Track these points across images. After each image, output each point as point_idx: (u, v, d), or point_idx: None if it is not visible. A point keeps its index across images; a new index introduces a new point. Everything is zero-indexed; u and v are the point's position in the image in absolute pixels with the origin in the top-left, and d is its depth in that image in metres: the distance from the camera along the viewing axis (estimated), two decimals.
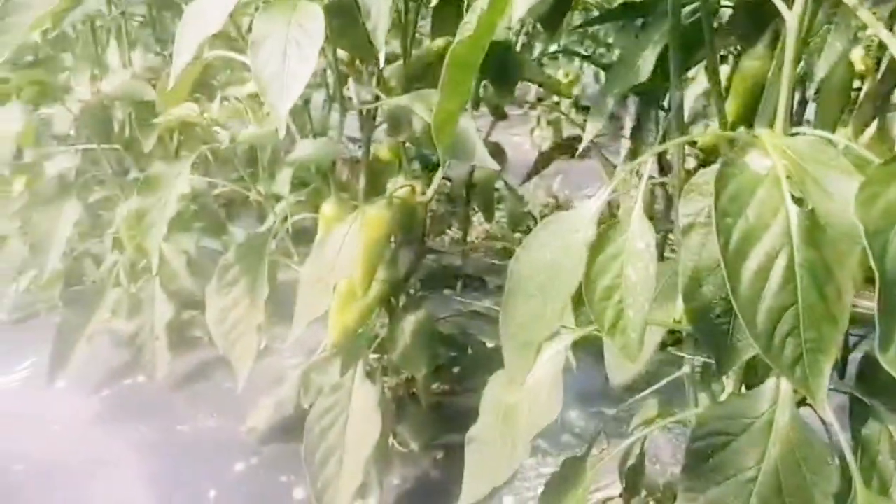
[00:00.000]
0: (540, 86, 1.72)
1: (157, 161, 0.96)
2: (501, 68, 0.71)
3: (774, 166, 0.52)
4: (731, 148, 0.60)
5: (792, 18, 0.54)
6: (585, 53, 2.22)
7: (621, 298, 0.60)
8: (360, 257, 0.98)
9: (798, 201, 0.50)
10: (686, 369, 0.86)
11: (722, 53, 0.99)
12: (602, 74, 3.60)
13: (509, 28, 0.71)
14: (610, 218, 0.61)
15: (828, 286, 0.49)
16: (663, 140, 1.12)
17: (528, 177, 1.63)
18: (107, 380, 1.58)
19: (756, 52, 0.77)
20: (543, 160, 1.52)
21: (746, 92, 0.77)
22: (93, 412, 1.49)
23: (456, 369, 1.49)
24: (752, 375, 0.72)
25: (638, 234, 0.59)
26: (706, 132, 0.73)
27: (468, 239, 2.33)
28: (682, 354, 0.86)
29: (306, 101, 1.48)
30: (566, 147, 1.54)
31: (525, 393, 0.79)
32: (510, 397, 0.79)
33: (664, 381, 0.87)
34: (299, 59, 0.73)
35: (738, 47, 0.87)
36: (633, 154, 0.94)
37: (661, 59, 0.80)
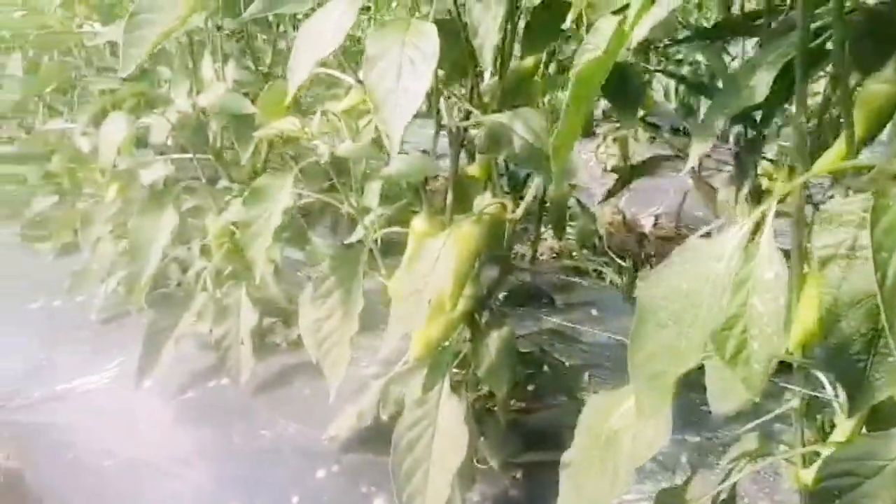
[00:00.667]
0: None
1: (264, 175, 0.98)
2: (623, 89, 0.71)
3: None
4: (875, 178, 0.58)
5: None
6: (678, 73, 2.17)
7: (745, 328, 0.58)
8: (452, 272, 0.98)
9: None
10: (794, 403, 0.83)
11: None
12: (672, 89, 3.55)
13: (629, 49, 0.70)
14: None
15: None
16: (748, 163, 1.08)
17: (608, 196, 1.60)
18: (191, 382, 1.63)
19: (884, 75, 0.74)
20: (624, 180, 1.50)
21: (871, 116, 0.73)
22: (178, 413, 1.54)
23: (531, 387, 1.48)
24: (878, 416, 0.69)
25: (767, 262, 0.57)
26: (833, 158, 0.70)
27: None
28: (790, 386, 0.83)
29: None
30: (648, 166, 1.51)
31: (629, 420, 0.77)
32: (612, 423, 0.77)
33: (772, 415, 0.84)
34: (414, 77, 0.74)
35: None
36: (739, 177, 0.91)
37: (777, 80, 0.78)
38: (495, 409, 1.34)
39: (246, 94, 1.44)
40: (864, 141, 0.76)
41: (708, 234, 0.60)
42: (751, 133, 0.91)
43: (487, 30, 0.83)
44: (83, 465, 1.43)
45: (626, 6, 0.63)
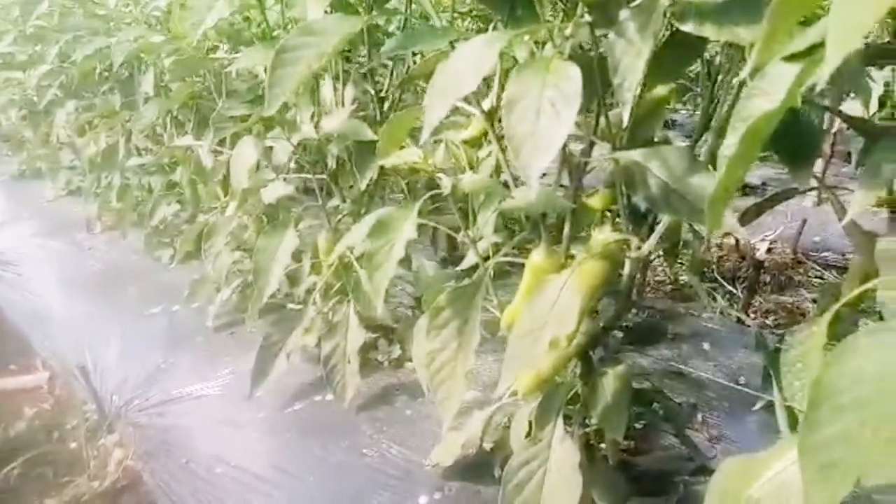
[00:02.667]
0: None
1: (388, 207, 0.99)
2: (795, 141, 0.66)
3: None
4: None
5: None
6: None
7: None
8: (575, 311, 0.95)
9: None
10: None
11: None
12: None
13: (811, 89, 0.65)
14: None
15: None
16: None
17: (743, 223, 1.51)
18: (298, 394, 1.68)
19: None
20: (756, 211, 1.41)
21: None
22: (284, 424, 1.59)
23: (639, 425, 1.42)
24: None
25: None
26: None
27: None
28: None
29: None
30: (776, 199, 1.41)
31: (769, 490, 0.72)
32: (753, 492, 0.72)
33: None
34: (554, 119, 0.73)
35: None
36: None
37: None
38: (603, 447, 1.30)
39: (363, 118, 1.48)
40: None
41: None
42: None
43: (629, 67, 0.80)
44: (195, 469, 1.50)
45: (802, 53, 0.59)
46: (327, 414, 1.60)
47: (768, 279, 2.52)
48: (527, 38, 0.98)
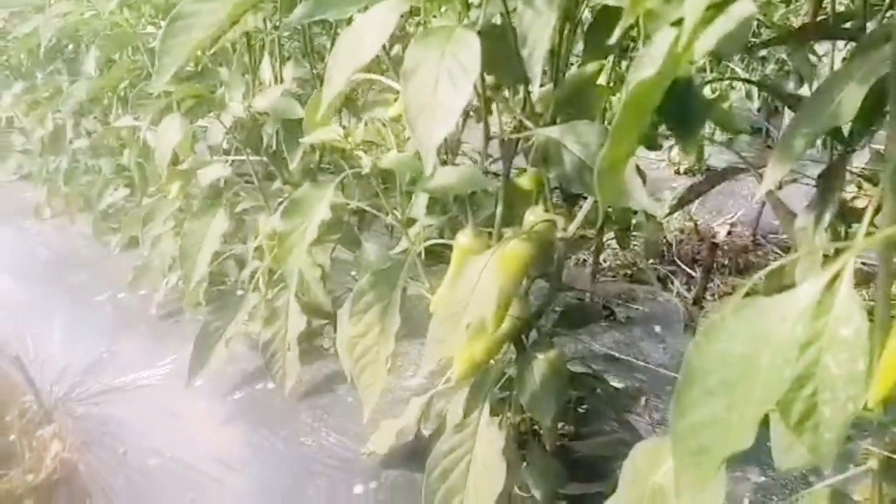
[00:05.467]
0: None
1: (304, 184, 0.95)
2: (683, 111, 0.63)
3: None
4: None
5: None
6: (751, 78, 2.03)
7: (815, 391, 0.50)
8: (494, 294, 0.92)
9: None
10: (873, 464, 0.73)
11: None
12: (754, 89, 3.32)
13: (691, 63, 0.62)
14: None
15: None
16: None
17: (674, 209, 1.49)
18: (240, 383, 1.64)
19: None
20: (689, 193, 1.39)
21: None
22: (224, 414, 1.55)
23: (582, 409, 1.40)
24: None
25: (845, 317, 0.49)
26: None
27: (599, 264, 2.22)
28: (869, 448, 0.73)
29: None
30: (714, 180, 1.39)
31: (672, 476, 0.70)
32: (658, 478, 0.70)
33: (846, 475, 0.74)
34: (452, 91, 0.69)
35: None
36: (821, 203, 0.81)
37: (867, 98, 0.68)
38: (542, 432, 1.28)
39: (300, 97, 1.42)
40: None
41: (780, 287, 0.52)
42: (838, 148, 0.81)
43: (537, 38, 0.77)
44: (132, 461, 1.45)
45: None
46: (268, 403, 1.56)
47: (727, 262, 2.51)
48: (443, 7, 0.94)
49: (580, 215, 1.01)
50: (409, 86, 0.71)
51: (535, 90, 0.80)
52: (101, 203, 2.35)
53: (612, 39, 0.58)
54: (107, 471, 1.47)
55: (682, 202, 1.47)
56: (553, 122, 1.00)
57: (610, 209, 1.71)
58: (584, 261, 2.41)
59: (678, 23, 0.55)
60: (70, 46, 2.60)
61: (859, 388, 0.48)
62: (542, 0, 0.76)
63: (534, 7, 0.77)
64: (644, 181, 1.52)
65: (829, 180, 0.82)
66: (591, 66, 1.07)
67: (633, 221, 2.02)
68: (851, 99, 0.69)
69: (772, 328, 0.45)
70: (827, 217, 0.80)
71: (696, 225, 2.74)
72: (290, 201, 0.95)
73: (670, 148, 3.46)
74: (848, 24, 1.07)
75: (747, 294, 0.52)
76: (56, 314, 2.11)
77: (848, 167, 0.95)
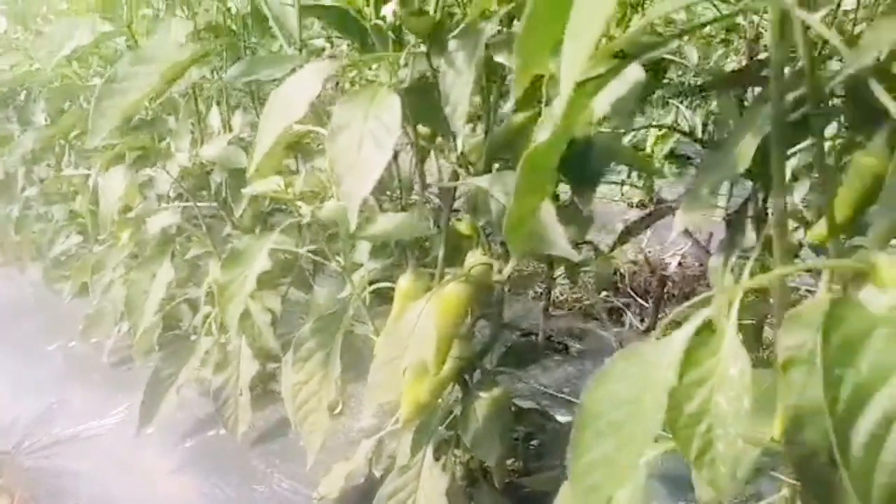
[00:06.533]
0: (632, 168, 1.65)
1: (244, 237, 0.98)
2: (580, 167, 0.67)
3: (894, 306, 0.45)
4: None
5: None
6: (678, 128, 2.12)
7: (709, 427, 0.54)
8: (433, 337, 0.95)
9: None
10: (785, 493, 0.77)
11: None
12: (699, 123, 3.46)
13: (590, 123, 0.67)
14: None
15: None
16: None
17: (614, 245, 1.55)
18: (192, 430, 1.63)
19: (874, 148, 0.69)
20: (634, 227, 1.45)
21: (860, 192, 0.68)
22: (176, 462, 1.53)
23: (532, 445, 1.43)
24: None
25: (731, 358, 0.53)
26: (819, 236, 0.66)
27: (552, 298, 2.27)
28: (782, 477, 0.77)
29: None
30: (658, 214, 1.45)
31: None
32: None
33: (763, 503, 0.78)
34: (375, 150, 0.73)
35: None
36: (729, 245, 0.86)
37: (763, 146, 0.74)
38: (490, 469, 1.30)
39: (247, 146, 1.45)
40: (849, 218, 0.71)
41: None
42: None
43: (458, 97, 0.81)
44: None
45: (587, 81, 0.61)
46: (220, 450, 1.55)
47: (676, 292, 2.58)
48: (374, 66, 0.99)
49: (513, 259, 1.05)
50: (335, 145, 0.75)
51: (459, 144, 0.84)
52: (52, 250, 2.32)
53: (511, 101, 0.62)
54: None
55: (627, 235, 1.54)
56: (487, 170, 1.05)
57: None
58: (541, 294, 2.46)
59: (579, 86, 0.60)
60: (21, 95, 2.60)
61: (743, 423, 0.52)
62: (462, 61, 0.81)
63: (454, 67, 0.82)
64: (590, 222, 1.58)
65: (736, 223, 0.88)
66: (520, 117, 1.12)
67: (582, 257, 2.08)
68: (746, 150, 0.75)
69: (651, 372, 0.49)
70: (733, 258, 0.85)
71: (646, 257, 2.83)
72: (230, 252, 0.97)
73: (622, 182, 3.56)
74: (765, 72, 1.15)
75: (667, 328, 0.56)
76: (5, 365, 2.07)
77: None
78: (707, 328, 0.55)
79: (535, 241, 0.80)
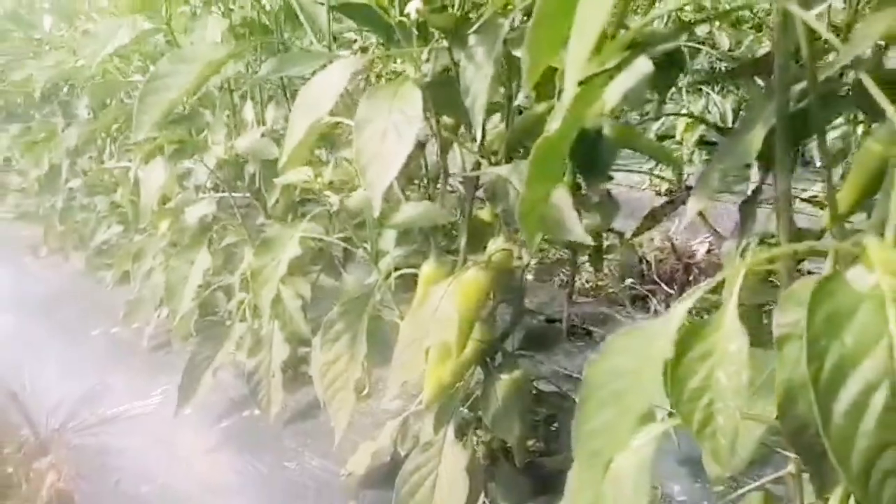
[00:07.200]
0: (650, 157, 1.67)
1: (276, 225, 1.03)
2: (590, 157, 0.71)
3: (878, 285, 0.48)
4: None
5: None
6: (701, 117, 2.12)
7: (711, 401, 0.57)
8: (454, 320, 0.99)
9: None
10: (791, 468, 0.80)
11: None
12: (728, 109, 3.44)
13: (602, 114, 0.70)
14: None
15: None
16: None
17: (638, 232, 1.57)
18: (227, 411, 1.70)
19: (879, 135, 0.71)
20: (654, 216, 1.47)
21: (864, 179, 0.70)
22: (212, 441, 1.61)
23: (553, 426, 1.47)
24: None
25: (731, 335, 0.56)
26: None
27: (576, 285, 2.29)
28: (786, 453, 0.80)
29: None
30: (679, 201, 1.47)
31: (610, 483, 0.76)
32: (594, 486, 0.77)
33: (770, 478, 0.81)
34: (397, 142, 0.77)
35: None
36: (741, 230, 0.89)
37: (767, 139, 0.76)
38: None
39: (280, 138, 1.51)
40: (855, 204, 0.73)
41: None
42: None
43: (478, 90, 0.85)
44: (124, 489, 1.51)
45: (595, 75, 0.64)
46: (254, 429, 1.62)
47: (703, 279, 2.58)
48: (399, 60, 1.03)
49: (533, 244, 1.09)
50: (361, 137, 0.79)
51: (479, 134, 0.88)
52: (94, 240, 2.43)
53: (524, 93, 0.66)
54: (100, 499, 1.52)
55: (650, 222, 1.56)
56: (507, 160, 1.08)
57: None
58: (566, 282, 2.49)
59: (586, 81, 0.63)
60: (65, 90, 2.70)
61: (743, 397, 0.56)
62: (482, 55, 0.85)
63: (474, 61, 0.86)
64: (615, 209, 1.60)
65: (748, 208, 0.90)
66: (542, 106, 1.16)
67: (606, 244, 2.10)
68: (756, 139, 0.78)
69: (651, 345, 0.52)
70: (745, 241, 0.88)
71: (673, 244, 2.83)
72: (262, 240, 1.03)
73: (651, 171, 3.55)
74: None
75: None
76: (52, 350, 2.18)
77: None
78: (713, 307, 0.58)
79: (549, 226, 0.84)
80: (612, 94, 0.66)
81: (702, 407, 0.57)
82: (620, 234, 2.00)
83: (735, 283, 0.60)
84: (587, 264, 2.45)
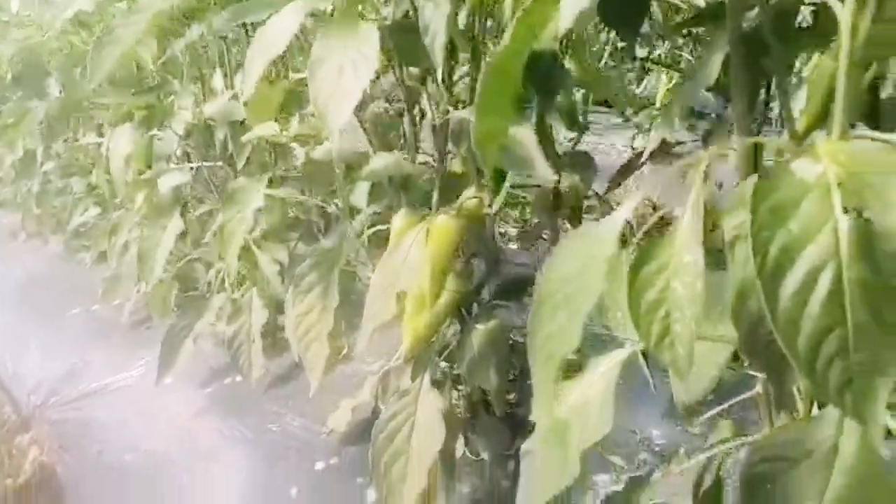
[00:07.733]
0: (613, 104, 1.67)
1: (239, 178, 1.02)
2: (544, 80, 0.71)
3: (825, 173, 0.48)
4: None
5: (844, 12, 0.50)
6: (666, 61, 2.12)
7: (667, 312, 0.57)
8: (426, 266, 0.99)
9: (853, 213, 0.46)
10: (759, 388, 0.81)
11: None
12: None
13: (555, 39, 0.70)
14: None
15: (884, 304, 0.44)
16: None
17: (612, 186, 1.58)
18: (209, 378, 1.70)
19: (834, 49, 0.71)
20: (626, 170, 1.47)
21: (820, 96, 0.71)
22: (195, 408, 1.61)
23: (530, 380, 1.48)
24: None
25: (685, 246, 0.57)
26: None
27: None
28: (755, 373, 0.81)
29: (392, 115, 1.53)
30: (655, 155, 1.47)
31: (575, 409, 0.77)
32: (560, 413, 0.77)
33: (735, 400, 0.82)
34: (353, 77, 0.76)
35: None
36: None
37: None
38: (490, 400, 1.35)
39: None
40: (817, 120, 0.73)
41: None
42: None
43: (436, 28, 0.84)
44: (107, 459, 1.51)
45: None
46: (236, 395, 1.63)
47: None
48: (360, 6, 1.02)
49: (502, 192, 1.09)
50: (316, 75, 0.78)
51: (440, 76, 0.87)
52: (72, 222, 2.40)
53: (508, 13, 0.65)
54: (83, 470, 1.52)
55: (617, 181, 1.56)
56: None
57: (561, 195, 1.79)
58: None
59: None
60: (36, 70, 2.65)
61: (699, 306, 0.56)
62: None
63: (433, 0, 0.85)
64: (591, 168, 1.59)
65: (711, 137, 0.90)
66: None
67: (585, 204, 2.10)
68: (714, 64, 0.78)
69: (596, 246, 0.52)
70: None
71: (655, 209, 2.84)
72: (227, 194, 1.02)
73: (634, 137, 3.56)
74: None
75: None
76: (32, 330, 2.17)
77: None
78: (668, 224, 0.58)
79: (514, 162, 0.84)
80: (566, 12, 0.66)
81: (659, 318, 0.57)
82: (599, 196, 2.01)
83: (690, 197, 0.60)
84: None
